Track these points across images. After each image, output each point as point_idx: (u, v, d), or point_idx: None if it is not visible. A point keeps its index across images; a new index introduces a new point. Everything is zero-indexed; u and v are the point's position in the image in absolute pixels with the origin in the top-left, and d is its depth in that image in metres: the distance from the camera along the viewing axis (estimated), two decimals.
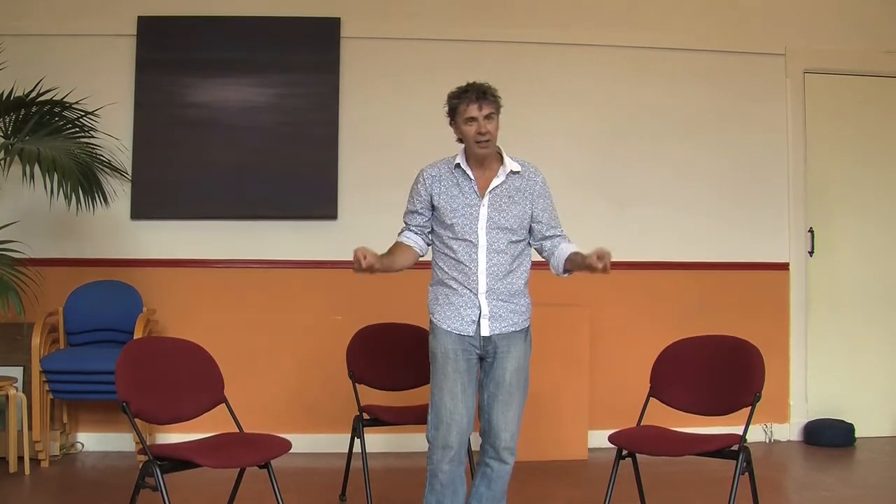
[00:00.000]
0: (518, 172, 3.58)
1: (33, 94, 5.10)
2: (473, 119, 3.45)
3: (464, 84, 3.51)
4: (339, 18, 5.74)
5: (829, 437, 5.80)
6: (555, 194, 5.77)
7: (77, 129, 5.31)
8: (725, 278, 5.95)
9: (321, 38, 5.72)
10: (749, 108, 6.04)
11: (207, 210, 5.65)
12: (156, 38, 5.63)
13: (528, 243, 3.64)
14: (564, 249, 3.58)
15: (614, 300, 5.83)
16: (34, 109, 5.12)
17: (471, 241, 3.47)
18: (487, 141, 3.46)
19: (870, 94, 6.14)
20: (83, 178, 4.99)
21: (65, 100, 5.24)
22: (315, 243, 5.69)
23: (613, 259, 5.75)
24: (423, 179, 3.59)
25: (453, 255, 3.50)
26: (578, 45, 5.89)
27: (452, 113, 3.52)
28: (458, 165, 3.56)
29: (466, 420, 3.48)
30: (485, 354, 3.54)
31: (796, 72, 6.07)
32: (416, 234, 3.63)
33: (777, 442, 5.93)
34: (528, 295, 3.62)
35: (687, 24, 6.00)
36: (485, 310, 3.48)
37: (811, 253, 6.07)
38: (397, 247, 3.64)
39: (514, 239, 3.53)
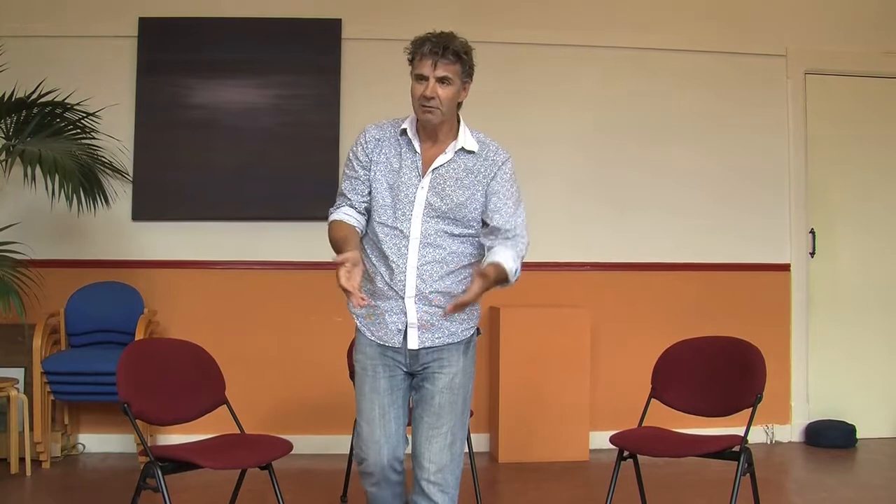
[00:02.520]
0: (473, 152, 2.93)
1: (35, 96, 5.10)
2: (423, 77, 2.84)
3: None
4: (341, 20, 5.74)
5: (831, 438, 5.80)
6: (556, 197, 5.86)
7: (78, 131, 5.31)
8: (727, 279, 5.95)
9: (322, 39, 5.72)
10: (750, 109, 6.03)
11: (209, 211, 5.65)
12: (157, 39, 5.63)
13: (480, 241, 2.98)
14: (490, 256, 2.85)
15: (615, 301, 5.83)
16: (35, 111, 5.11)
17: (400, 231, 2.86)
18: (433, 108, 2.84)
19: (871, 95, 6.14)
20: (84, 179, 4.99)
21: (66, 101, 5.23)
22: (316, 245, 5.62)
23: (614, 260, 5.87)
24: (366, 142, 2.98)
25: (380, 245, 2.91)
26: (579, 46, 5.89)
27: (410, 62, 2.91)
28: (404, 132, 2.96)
29: (386, 447, 2.91)
30: (413, 371, 2.97)
31: (797, 73, 6.07)
32: (356, 210, 2.99)
33: (778, 443, 5.93)
34: (475, 303, 2.94)
35: (687, 26, 5.99)
36: (412, 317, 2.88)
37: (812, 254, 6.07)
38: (338, 227, 2.96)
39: (456, 232, 2.90)
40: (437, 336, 2.92)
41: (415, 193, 2.89)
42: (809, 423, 5.94)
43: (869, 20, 6.12)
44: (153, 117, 5.62)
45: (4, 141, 5.02)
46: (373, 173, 2.94)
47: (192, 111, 5.65)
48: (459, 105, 2.97)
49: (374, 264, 2.96)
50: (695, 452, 3.60)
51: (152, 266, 5.61)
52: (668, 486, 4.69)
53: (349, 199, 3.00)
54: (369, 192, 2.96)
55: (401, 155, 2.94)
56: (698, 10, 6.02)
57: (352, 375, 4.32)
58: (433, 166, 2.92)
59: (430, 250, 2.88)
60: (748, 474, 3.57)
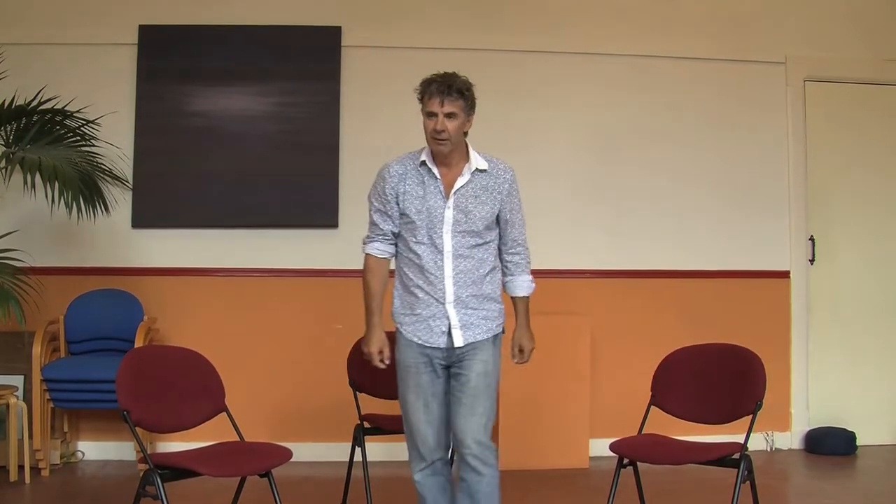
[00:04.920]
0: (485, 171, 3.37)
1: (34, 103, 5.11)
2: (433, 114, 3.27)
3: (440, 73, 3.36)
4: (340, 27, 5.75)
5: (831, 445, 5.79)
6: (556, 204, 5.87)
7: (78, 138, 5.31)
8: (726, 286, 5.95)
9: (322, 46, 5.73)
10: (749, 116, 6.04)
11: (208, 219, 5.65)
12: (157, 46, 5.64)
13: (496, 246, 3.47)
14: (510, 289, 3.53)
15: (615, 308, 5.83)
16: (35, 118, 5.12)
17: (435, 246, 3.31)
18: (444, 140, 3.26)
19: (870, 103, 6.14)
20: (84, 186, 5.00)
21: (66, 108, 5.24)
22: (316, 252, 5.69)
23: (614, 267, 5.87)
24: (389, 178, 3.37)
25: (417, 261, 3.33)
26: (579, 53, 5.90)
27: (420, 100, 3.35)
28: (423, 163, 3.36)
29: (432, 434, 3.38)
30: (451, 363, 3.38)
31: (796, 80, 6.07)
32: (384, 243, 3.43)
33: (778, 450, 5.92)
34: (500, 300, 3.46)
35: (687, 33, 6.00)
36: (454, 320, 3.33)
37: (812, 261, 6.07)
38: (375, 273, 3.43)
39: (480, 242, 3.36)
40: (476, 333, 3.35)
41: (443, 213, 3.31)
42: (809, 431, 5.93)
43: (868, 27, 6.13)
44: (153, 125, 5.63)
45: (4, 148, 5.02)
46: (402, 204, 3.34)
47: (191, 119, 5.66)
48: (465, 133, 3.37)
49: (411, 279, 3.37)
50: (695, 460, 3.60)
51: (152, 273, 5.62)
52: (668, 493, 4.68)
53: (381, 230, 3.41)
54: (397, 223, 3.38)
55: (423, 183, 3.35)
56: (697, 18, 6.02)
57: (352, 383, 4.37)
58: (455, 188, 3.33)
59: (462, 261, 3.33)
60: (748, 481, 3.56)
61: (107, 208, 5.29)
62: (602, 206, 5.90)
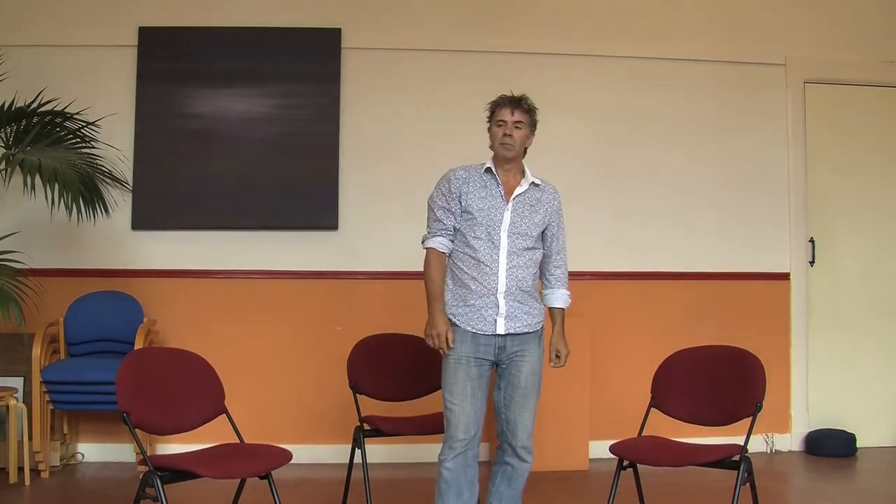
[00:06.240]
0: (538, 185, 3.76)
1: (34, 105, 5.11)
2: (503, 122, 3.67)
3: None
4: (340, 29, 5.75)
5: (831, 446, 5.79)
6: None
7: (78, 140, 5.32)
8: (726, 288, 5.95)
9: (322, 48, 5.73)
10: (749, 118, 6.04)
11: (208, 220, 5.65)
12: (157, 48, 5.64)
13: (541, 252, 3.78)
14: (550, 300, 3.83)
15: (615, 310, 5.83)
16: (35, 120, 5.12)
17: (492, 242, 3.61)
18: (510, 144, 3.64)
19: (870, 105, 6.15)
20: (84, 188, 5.00)
21: (66, 110, 5.25)
22: (316, 254, 5.69)
23: (614, 268, 5.86)
24: (455, 178, 3.70)
25: (474, 255, 3.62)
26: (579, 55, 5.90)
27: (490, 117, 3.74)
28: (488, 169, 3.71)
29: (473, 422, 3.59)
30: (499, 360, 3.66)
31: (796, 82, 6.07)
32: (446, 238, 3.70)
33: (778, 452, 5.92)
34: (538, 300, 3.75)
35: (687, 35, 6.00)
36: (502, 309, 3.60)
37: (812, 263, 6.07)
38: (438, 265, 3.69)
39: (529, 245, 3.67)
40: (517, 325, 3.63)
41: (503, 214, 3.65)
42: (809, 432, 5.93)
43: (868, 29, 6.14)
44: (153, 126, 5.63)
45: (4, 150, 5.03)
46: (464, 202, 3.66)
47: (191, 120, 5.66)
48: (525, 152, 3.75)
49: (465, 272, 3.64)
50: (695, 462, 3.60)
51: (152, 275, 5.61)
52: (667, 495, 4.68)
53: (444, 225, 3.69)
54: (458, 219, 3.66)
55: (486, 186, 3.69)
56: (697, 19, 6.03)
57: (352, 385, 4.38)
58: (514, 194, 3.68)
59: (515, 257, 3.63)
60: (748, 483, 3.57)
61: (107, 210, 5.29)
62: (601, 207, 5.90)
